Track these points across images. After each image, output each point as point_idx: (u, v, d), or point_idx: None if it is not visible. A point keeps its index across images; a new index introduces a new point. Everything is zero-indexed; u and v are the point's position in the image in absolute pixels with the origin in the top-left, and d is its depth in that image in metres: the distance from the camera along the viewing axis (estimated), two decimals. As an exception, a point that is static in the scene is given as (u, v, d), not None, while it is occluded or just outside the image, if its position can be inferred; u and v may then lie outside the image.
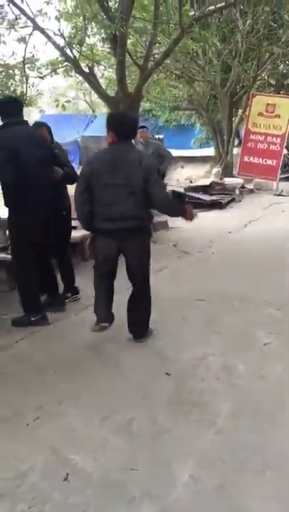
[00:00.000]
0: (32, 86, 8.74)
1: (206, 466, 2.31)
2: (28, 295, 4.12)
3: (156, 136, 14.53)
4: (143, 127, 8.41)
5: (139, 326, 3.84)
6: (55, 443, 2.50)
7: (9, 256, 4.82)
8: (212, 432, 2.58)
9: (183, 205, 3.78)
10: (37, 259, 4.11)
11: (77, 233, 5.85)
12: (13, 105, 4.15)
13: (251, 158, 12.83)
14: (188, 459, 2.36)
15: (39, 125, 4.56)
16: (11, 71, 8.10)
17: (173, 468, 2.30)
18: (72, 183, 4.21)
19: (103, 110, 19.40)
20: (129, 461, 2.35)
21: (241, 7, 10.94)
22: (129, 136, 3.64)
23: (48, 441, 2.52)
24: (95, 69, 10.32)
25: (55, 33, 7.99)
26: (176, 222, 8.77)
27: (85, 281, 5.13)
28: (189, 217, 3.82)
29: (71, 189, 4.21)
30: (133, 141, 3.90)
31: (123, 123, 3.63)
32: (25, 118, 4.17)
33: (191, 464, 2.32)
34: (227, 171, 13.90)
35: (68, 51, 8.20)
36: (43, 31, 7.85)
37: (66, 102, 11.35)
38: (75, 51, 8.31)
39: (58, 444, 2.49)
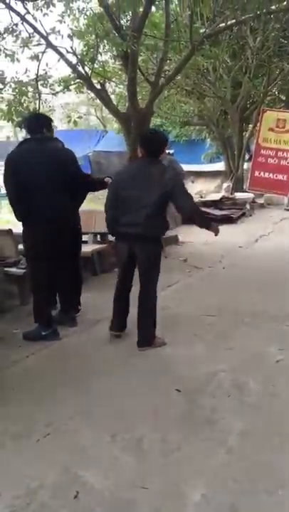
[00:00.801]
0: (44, 102, 8.86)
1: (218, 485, 2.28)
2: (38, 308, 4.15)
3: (167, 151, 14.60)
4: None
5: (141, 332, 3.91)
6: (65, 460, 2.48)
7: (20, 270, 4.86)
8: (223, 451, 2.55)
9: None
10: (48, 273, 4.13)
11: (88, 248, 5.89)
12: (34, 121, 4.27)
13: (262, 173, 12.79)
14: (199, 478, 2.33)
15: None
16: (24, 88, 8.21)
17: (184, 487, 2.27)
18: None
19: (114, 126, 19.53)
20: (140, 479, 2.33)
21: (251, 24, 11.02)
22: (154, 153, 3.88)
23: (58, 457, 2.50)
24: (107, 85, 10.45)
25: (67, 51, 8.12)
26: (187, 237, 8.80)
27: (96, 296, 5.16)
28: (215, 230, 3.98)
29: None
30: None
31: (150, 140, 3.96)
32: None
33: (202, 483, 2.29)
34: (238, 186, 13.92)
35: (80, 68, 8.31)
36: (55, 49, 7.97)
37: (78, 117, 11.46)
38: (87, 68, 8.42)
39: (68, 461, 2.47)
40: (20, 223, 4.15)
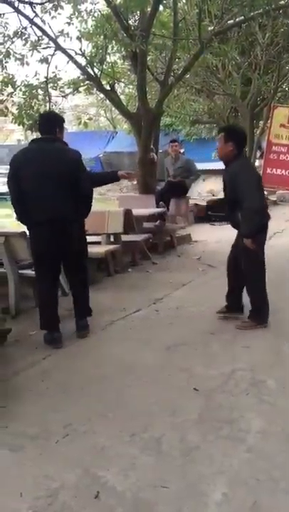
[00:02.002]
0: (55, 105, 8.91)
1: (239, 484, 2.27)
2: (40, 313, 4.16)
3: (180, 150, 14.63)
4: (175, 141, 8.47)
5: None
6: (85, 460, 2.48)
7: (34, 272, 4.88)
8: (243, 450, 2.53)
9: None
10: (51, 276, 4.13)
11: (101, 249, 5.90)
12: (42, 122, 4.26)
13: (274, 170, 12.69)
14: (220, 477, 2.31)
15: None
16: (34, 91, 8.26)
17: (204, 486, 2.26)
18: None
19: (124, 126, 19.57)
20: (160, 479, 2.32)
21: (260, 20, 10.95)
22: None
23: (77, 458, 2.51)
24: (116, 86, 10.46)
25: (76, 53, 8.16)
26: (200, 236, 8.78)
27: (110, 297, 5.17)
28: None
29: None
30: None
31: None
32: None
33: (223, 482, 2.28)
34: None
35: (90, 70, 8.34)
36: (64, 51, 8.01)
37: (88, 119, 11.51)
38: (96, 69, 8.45)
39: (87, 462, 2.47)
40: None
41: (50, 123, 4.15)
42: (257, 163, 14.62)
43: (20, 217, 4.14)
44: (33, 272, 4.89)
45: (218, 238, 8.59)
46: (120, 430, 2.75)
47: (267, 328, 4.23)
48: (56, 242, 3.98)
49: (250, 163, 4.18)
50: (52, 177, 3.87)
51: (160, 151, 10.26)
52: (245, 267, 4.25)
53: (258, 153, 15.22)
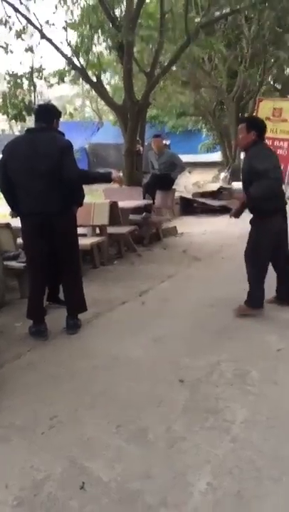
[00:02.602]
0: (40, 95, 8.83)
1: (223, 473, 2.30)
2: (29, 303, 4.13)
3: (165, 143, 14.62)
4: (158, 136, 8.45)
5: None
6: (71, 451, 2.50)
7: (20, 264, 4.86)
8: (228, 439, 2.57)
9: None
10: (40, 269, 4.08)
11: (87, 241, 5.89)
12: (41, 110, 4.20)
13: (259, 163, 12.76)
14: (205, 467, 2.35)
15: None
16: (18, 80, 8.17)
17: (190, 476, 2.29)
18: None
19: (110, 117, 19.48)
20: (146, 469, 2.35)
21: (246, 13, 10.96)
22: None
23: (64, 449, 2.52)
24: (102, 77, 10.39)
25: (62, 43, 8.08)
26: (185, 228, 8.81)
27: (96, 289, 5.17)
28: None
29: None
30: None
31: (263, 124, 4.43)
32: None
33: (207, 472, 2.31)
34: (235, 176, 13.89)
35: (75, 60, 8.27)
36: (50, 41, 7.92)
37: (73, 110, 11.43)
38: (82, 60, 8.38)
39: (74, 453, 2.49)
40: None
41: (50, 112, 4.08)
42: (242, 155, 14.69)
43: (12, 207, 4.13)
44: (18, 264, 4.89)
45: (204, 230, 8.64)
46: (107, 421, 2.76)
47: (251, 320, 4.27)
48: (44, 235, 3.93)
49: (266, 150, 4.26)
50: (40, 170, 3.79)
51: (146, 143, 10.25)
52: (246, 251, 4.38)
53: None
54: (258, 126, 4.30)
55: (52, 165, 3.80)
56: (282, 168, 12.78)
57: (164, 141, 9.26)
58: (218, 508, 2.09)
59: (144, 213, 7.86)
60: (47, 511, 2.11)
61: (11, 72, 8.20)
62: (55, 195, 3.87)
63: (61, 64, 9.01)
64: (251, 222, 4.34)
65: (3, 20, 7.85)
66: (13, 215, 4.49)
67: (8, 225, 5.05)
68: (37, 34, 7.91)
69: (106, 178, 4.32)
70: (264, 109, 12.63)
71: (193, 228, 8.90)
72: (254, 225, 4.32)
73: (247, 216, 4.45)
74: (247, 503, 2.12)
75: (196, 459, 2.41)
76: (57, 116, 4.10)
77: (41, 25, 7.83)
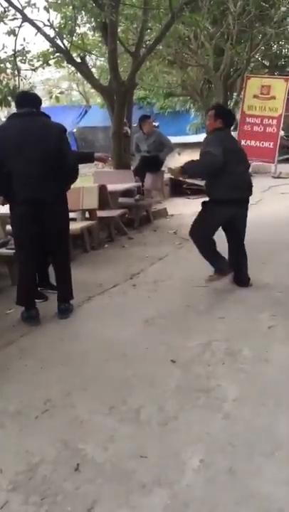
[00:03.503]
0: (24, 79, 8.67)
1: (216, 450, 2.33)
2: (19, 289, 4.09)
3: (154, 124, 14.52)
4: (147, 117, 8.38)
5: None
6: (64, 434, 2.52)
7: (9, 251, 4.84)
8: (220, 417, 2.59)
9: None
10: (30, 256, 4.04)
11: (77, 225, 5.86)
12: (23, 96, 4.14)
13: (248, 142, 12.72)
14: (197, 445, 2.37)
15: None
16: (2, 65, 8.02)
17: (182, 454, 2.32)
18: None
19: (97, 100, 19.25)
20: (139, 449, 2.37)
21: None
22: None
23: (57, 433, 2.54)
24: (87, 58, 10.24)
25: (44, 24, 7.92)
26: (175, 210, 8.78)
27: (86, 273, 5.16)
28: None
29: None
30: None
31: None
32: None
33: (200, 450, 2.34)
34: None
35: (59, 41, 8.12)
36: (32, 23, 7.76)
37: (59, 93, 11.27)
38: (65, 41, 8.24)
39: (67, 436, 2.51)
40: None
41: (36, 97, 4.05)
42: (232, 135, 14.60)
43: (4, 194, 4.03)
44: (8, 251, 4.86)
45: (194, 212, 8.59)
46: (99, 403, 2.78)
47: (242, 299, 4.29)
48: (38, 222, 3.89)
49: (224, 138, 4.29)
50: (34, 156, 3.74)
51: (134, 124, 10.15)
52: (191, 230, 4.64)
53: (232, 126, 15.17)
54: (224, 116, 4.44)
55: (47, 150, 3.77)
56: (271, 145, 12.66)
57: (153, 123, 9.18)
58: (211, 485, 2.12)
59: (137, 195, 7.84)
60: (42, 494, 2.13)
61: (-7, 56, 8.04)
62: (51, 181, 3.83)
63: (45, 46, 8.85)
64: (203, 203, 4.55)
65: (-16, 3, 7.68)
66: (3, 202, 4.42)
67: (-4, 212, 5.01)
68: (19, 17, 7.75)
69: (89, 158, 4.30)
70: (252, 86, 12.54)
71: (183, 209, 8.87)
72: (205, 207, 4.53)
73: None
74: (240, 479, 2.15)
75: (188, 438, 2.44)
76: (40, 103, 4.04)
77: (23, 7, 7.66)
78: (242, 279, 4.62)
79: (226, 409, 2.66)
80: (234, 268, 4.62)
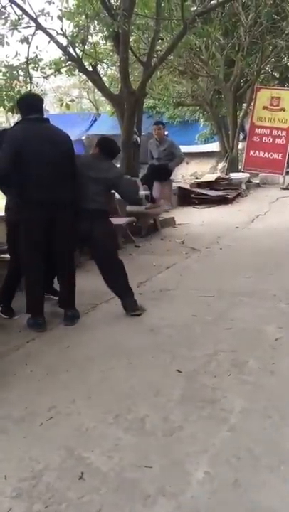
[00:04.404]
0: (36, 86, 8.77)
1: (221, 462, 2.31)
2: (26, 295, 4.11)
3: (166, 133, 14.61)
4: (159, 123, 8.41)
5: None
6: (69, 442, 2.51)
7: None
8: (225, 429, 2.58)
9: None
10: (38, 263, 4.06)
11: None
12: (30, 101, 4.17)
13: (257, 153, 12.77)
14: (202, 456, 2.36)
15: None
16: (14, 72, 8.11)
17: (187, 465, 2.30)
18: None
19: (107, 108, 19.36)
20: (143, 459, 2.36)
21: (243, 0, 10.87)
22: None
23: (62, 440, 2.53)
24: (98, 67, 10.33)
25: (57, 33, 8.02)
26: (183, 219, 8.79)
27: (93, 280, 5.15)
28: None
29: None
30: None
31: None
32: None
33: (205, 461, 2.32)
34: (233, 166, 13.88)
35: (71, 50, 8.21)
36: (45, 31, 7.86)
37: (70, 101, 11.38)
38: (78, 50, 8.32)
39: (72, 443, 2.50)
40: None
41: (39, 103, 4.10)
42: (240, 145, 14.63)
43: (19, 196, 3.99)
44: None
45: (202, 221, 8.62)
46: (104, 411, 2.77)
47: (248, 310, 4.28)
48: (48, 227, 3.95)
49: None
50: (56, 159, 3.86)
51: (143, 133, 10.20)
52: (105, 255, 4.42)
53: (241, 136, 15.21)
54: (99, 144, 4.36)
55: (67, 154, 3.96)
56: (280, 156, 12.69)
57: (164, 130, 9.23)
58: (216, 497, 2.11)
59: (148, 204, 7.87)
60: (46, 502, 2.11)
61: (6, 64, 8.14)
62: (64, 186, 3.94)
63: (57, 54, 8.95)
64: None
65: (-2, 11, 7.78)
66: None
67: (1, 217, 5.02)
68: (32, 25, 7.84)
69: None
70: (262, 98, 12.60)
71: (191, 219, 8.89)
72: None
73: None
74: (244, 492, 2.13)
75: (193, 448, 2.42)
76: (42, 105, 4.19)
77: (36, 15, 7.76)
78: None
79: (232, 421, 2.64)
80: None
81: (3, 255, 4.90)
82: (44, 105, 4.34)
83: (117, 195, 4.78)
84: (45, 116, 4.19)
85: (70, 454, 2.42)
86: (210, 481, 2.20)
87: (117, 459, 2.36)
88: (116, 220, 6.66)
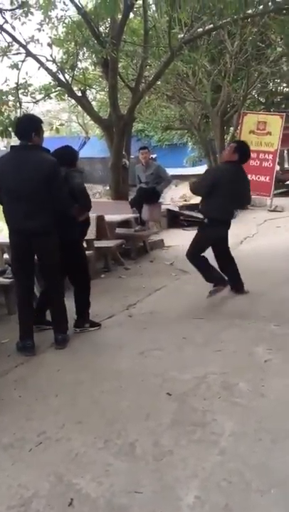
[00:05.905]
0: (26, 110, 8.85)
1: (211, 486, 2.30)
2: (18, 319, 4.12)
3: (151, 156, 14.74)
4: (144, 148, 8.52)
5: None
6: (58, 468, 2.48)
7: (7, 280, 4.84)
8: (216, 452, 2.56)
9: None
10: (24, 287, 4.09)
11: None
12: (17, 126, 4.15)
13: (244, 175, 12.88)
14: (192, 480, 2.34)
15: None
16: (4, 97, 8.20)
17: (178, 490, 2.28)
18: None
19: (96, 131, 19.59)
20: (134, 484, 2.34)
21: (229, 29, 11.14)
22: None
23: (51, 466, 2.50)
24: (88, 92, 10.48)
25: (47, 59, 8.15)
26: (172, 241, 8.84)
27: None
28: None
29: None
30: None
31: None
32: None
33: (195, 485, 2.31)
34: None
35: (61, 76, 8.33)
36: (35, 57, 7.98)
37: (60, 125, 11.49)
38: (67, 76, 8.45)
39: (61, 469, 2.47)
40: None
41: (24, 127, 3.95)
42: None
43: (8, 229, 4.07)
44: (5, 280, 4.87)
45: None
46: (94, 436, 2.75)
47: (238, 332, 4.29)
48: (29, 253, 3.99)
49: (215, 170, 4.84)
50: (24, 192, 3.81)
51: (132, 156, 10.31)
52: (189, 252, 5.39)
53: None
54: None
55: (36, 188, 3.82)
56: (267, 179, 12.81)
57: (150, 155, 9.33)
58: (207, 522, 2.09)
59: (138, 226, 7.92)
60: (34, 530, 2.09)
61: (-4, 89, 8.23)
62: (39, 216, 3.89)
63: (47, 80, 9.08)
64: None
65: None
66: None
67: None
68: (22, 51, 7.97)
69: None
70: (248, 122, 12.82)
71: (180, 241, 8.92)
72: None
73: (232, 229, 4.51)
74: (235, 516, 2.12)
75: (184, 473, 2.41)
76: (36, 127, 3.94)
77: (26, 42, 7.89)
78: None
79: (222, 445, 2.63)
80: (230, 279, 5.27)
81: None
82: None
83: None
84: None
85: (59, 480, 2.39)
86: (200, 505, 2.18)
87: (107, 485, 2.34)
88: (105, 243, 6.70)
